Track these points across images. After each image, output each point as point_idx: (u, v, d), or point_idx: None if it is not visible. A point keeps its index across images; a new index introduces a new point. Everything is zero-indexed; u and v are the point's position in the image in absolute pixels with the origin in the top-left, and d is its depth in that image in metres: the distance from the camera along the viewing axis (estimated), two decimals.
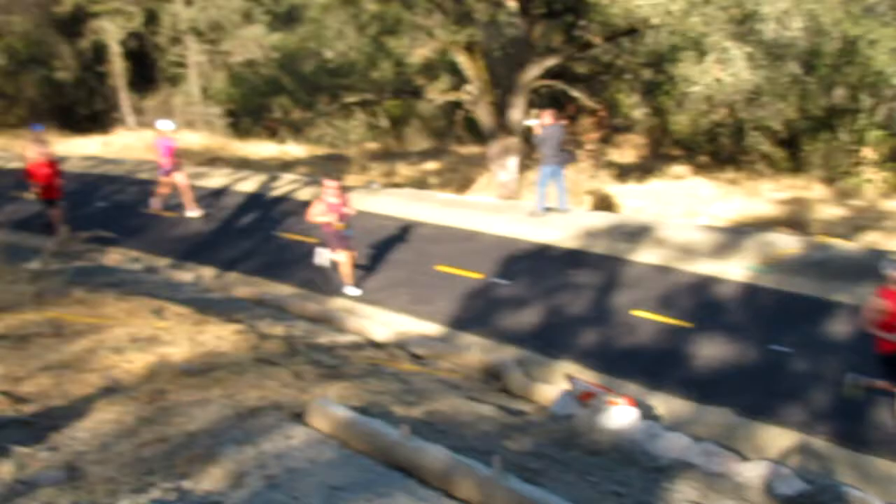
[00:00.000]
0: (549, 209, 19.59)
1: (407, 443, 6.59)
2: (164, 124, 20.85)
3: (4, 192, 22.92)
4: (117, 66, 42.49)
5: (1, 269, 14.04)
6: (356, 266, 16.47)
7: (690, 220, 22.18)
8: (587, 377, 11.83)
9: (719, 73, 20.90)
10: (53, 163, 19.43)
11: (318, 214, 15.69)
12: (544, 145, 19.14)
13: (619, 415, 9.90)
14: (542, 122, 19.20)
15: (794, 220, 22.79)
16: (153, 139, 22.02)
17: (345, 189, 16.21)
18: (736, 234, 17.66)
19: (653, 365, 12.82)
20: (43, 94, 43.15)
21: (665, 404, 11.72)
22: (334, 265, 16.13)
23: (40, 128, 20.56)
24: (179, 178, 20.86)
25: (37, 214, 19.94)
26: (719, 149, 33.82)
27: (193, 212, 20.84)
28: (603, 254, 17.19)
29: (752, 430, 11.03)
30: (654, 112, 35.15)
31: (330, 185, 15.85)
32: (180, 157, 21.14)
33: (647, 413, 11.00)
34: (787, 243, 16.93)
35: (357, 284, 16.47)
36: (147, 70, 44.85)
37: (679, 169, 31.99)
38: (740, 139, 31.84)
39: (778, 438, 10.83)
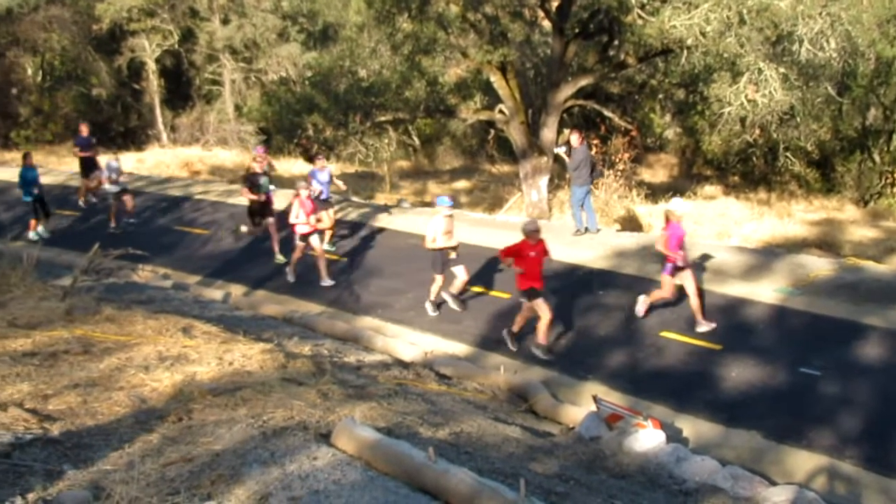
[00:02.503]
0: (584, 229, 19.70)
1: (432, 465, 6.56)
2: (678, 204, 15.12)
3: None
4: (153, 84, 42.93)
5: (32, 285, 14.19)
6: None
7: (721, 241, 22.05)
8: (614, 398, 11.77)
9: (753, 94, 20.85)
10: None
11: None
12: (577, 166, 19.14)
13: (646, 437, 9.84)
14: (573, 145, 19.19)
15: (826, 242, 22.62)
16: (665, 228, 14.89)
17: None
18: (767, 256, 17.57)
19: (680, 387, 12.75)
20: (79, 111, 43.57)
21: (692, 427, 11.66)
22: None
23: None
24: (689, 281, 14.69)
25: None
26: (751, 169, 33.73)
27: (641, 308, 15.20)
28: (633, 274, 17.15)
29: (780, 453, 10.94)
30: (686, 132, 35.13)
31: None
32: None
33: (675, 436, 10.95)
34: (819, 265, 16.85)
35: (383, 304, 16.53)
36: (182, 87, 45.27)
37: (710, 189, 31.91)
38: (773, 160, 31.76)
39: (806, 462, 10.73)
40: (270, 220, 19.26)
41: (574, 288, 16.75)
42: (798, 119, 25.71)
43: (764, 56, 19.90)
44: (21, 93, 43.62)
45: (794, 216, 26.36)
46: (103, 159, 23.88)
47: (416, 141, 41.49)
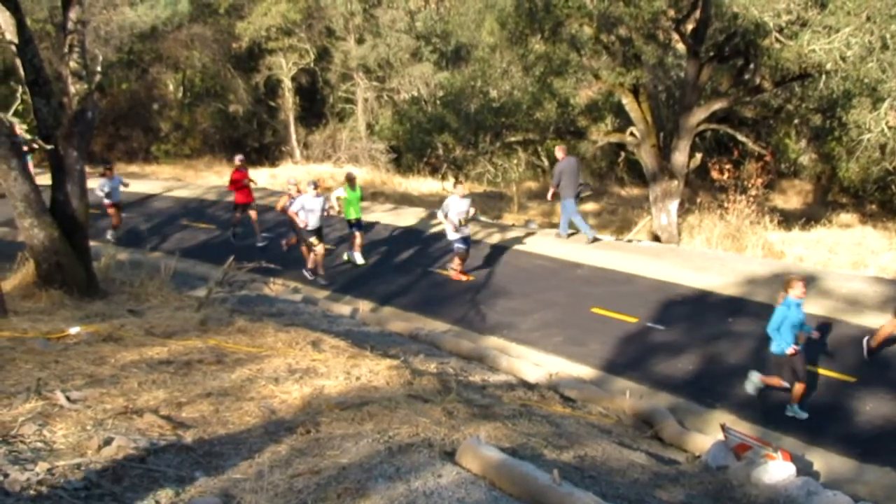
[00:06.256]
0: (571, 235, 21.49)
1: (557, 488, 6.52)
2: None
3: (174, 220, 23.82)
4: (288, 101, 43.83)
5: (169, 295, 14.59)
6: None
7: (857, 270, 21.46)
8: (743, 428, 11.54)
9: (894, 121, 20.28)
10: None
11: None
12: (562, 178, 20.69)
13: (776, 469, 9.60)
14: (558, 158, 21.21)
15: None
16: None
17: None
18: None
19: (812, 419, 12.43)
20: (216, 126, 44.73)
21: (823, 460, 11.35)
22: None
23: None
24: None
25: None
26: (890, 198, 32.73)
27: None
28: (764, 302, 16.78)
29: None
30: (822, 158, 34.32)
31: None
32: None
33: (805, 469, 10.67)
34: None
35: (509, 324, 16.54)
36: (316, 105, 46.10)
37: (846, 217, 31.12)
38: None
39: None
40: None
41: (703, 314, 16.50)
42: None
43: None
44: (162, 108, 45.04)
45: None
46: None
47: (545, 162, 41.41)
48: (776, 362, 12.61)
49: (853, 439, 11.81)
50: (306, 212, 19.14)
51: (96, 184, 21.81)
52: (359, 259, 20.89)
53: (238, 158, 23.99)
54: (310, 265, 19.86)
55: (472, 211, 18.93)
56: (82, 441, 7.11)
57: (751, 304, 16.80)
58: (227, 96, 45.05)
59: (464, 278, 19.14)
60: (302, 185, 20.58)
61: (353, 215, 20.76)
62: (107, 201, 22.59)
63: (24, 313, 12.61)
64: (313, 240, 19.43)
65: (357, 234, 20.92)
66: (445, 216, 18.72)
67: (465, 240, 18.96)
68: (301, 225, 19.26)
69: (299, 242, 20.24)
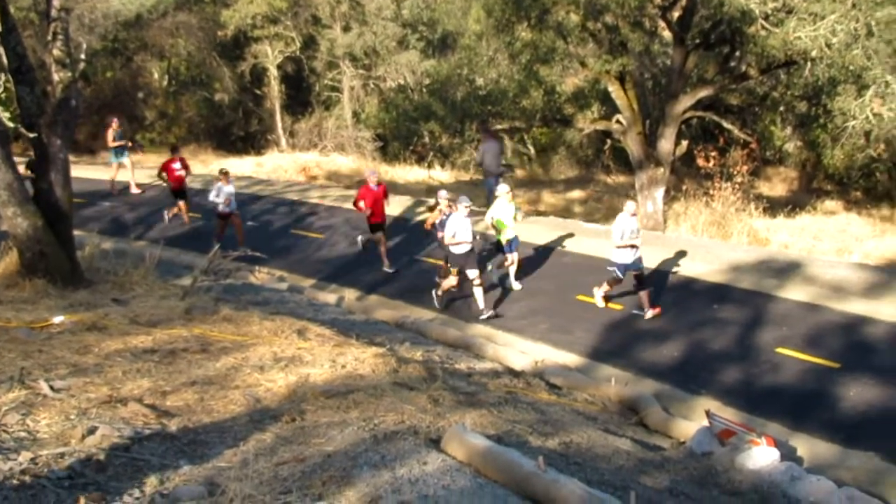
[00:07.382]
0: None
1: (542, 475, 6.53)
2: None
3: (159, 208, 23.73)
4: (274, 90, 43.61)
5: (154, 284, 14.57)
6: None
7: (841, 257, 21.53)
8: (727, 414, 11.58)
9: (879, 108, 20.31)
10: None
11: None
12: (485, 158, 21.81)
13: (760, 455, 9.64)
14: (481, 140, 22.32)
15: None
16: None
17: None
18: (890, 274, 17.09)
19: (796, 405, 12.48)
20: (201, 115, 44.53)
21: (808, 446, 11.40)
22: None
23: None
24: None
25: None
26: (875, 185, 32.80)
27: None
28: (749, 289, 16.83)
29: None
30: (807, 146, 34.34)
31: None
32: None
33: (789, 454, 10.71)
34: None
35: (497, 313, 16.57)
36: (302, 93, 45.86)
37: (831, 204, 31.16)
38: None
39: None
40: None
41: (688, 301, 16.53)
42: None
43: (891, 69, 19.38)
44: (147, 96, 44.79)
45: None
46: None
47: (532, 150, 41.37)
48: None
49: (837, 425, 11.86)
50: (458, 234, 16.34)
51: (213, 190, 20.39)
52: (516, 285, 17.90)
53: (370, 172, 20.39)
54: (444, 289, 17.08)
55: (638, 228, 16.18)
56: (66, 430, 7.10)
57: (736, 290, 16.85)
58: (212, 85, 44.79)
59: (603, 305, 16.51)
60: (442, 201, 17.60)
61: (507, 235, 17.67)
62: (222, 209, 20.32)
63: (7, 302, 12.60)
64: (456, 269, 16.58)
65: (509, 255, 17.72)
66: (621, 238, 15.75)
67: (634, 263, 15.90)
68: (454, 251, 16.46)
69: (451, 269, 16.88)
